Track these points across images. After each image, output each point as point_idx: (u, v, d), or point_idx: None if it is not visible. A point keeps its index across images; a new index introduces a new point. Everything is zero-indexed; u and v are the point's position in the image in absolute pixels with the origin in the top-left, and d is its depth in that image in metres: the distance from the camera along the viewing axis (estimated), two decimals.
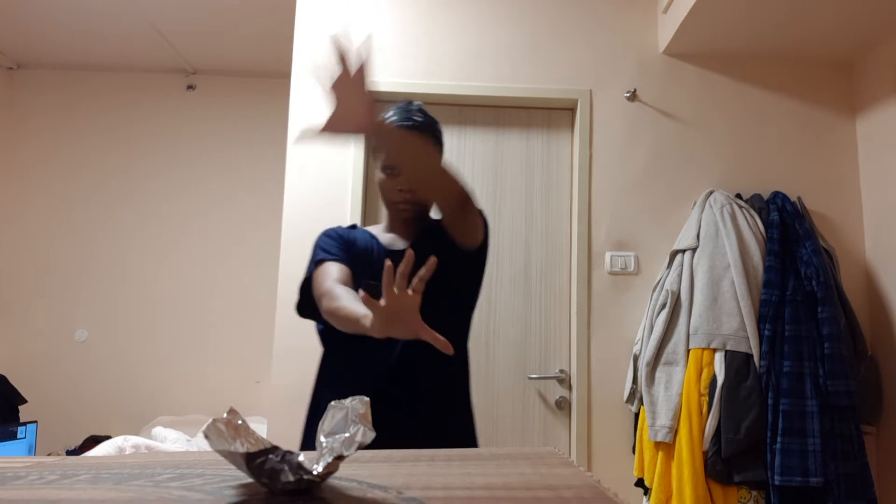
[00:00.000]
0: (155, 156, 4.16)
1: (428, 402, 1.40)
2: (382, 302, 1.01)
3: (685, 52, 2.85)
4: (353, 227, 1.55)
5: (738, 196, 2.73)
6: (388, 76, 2.79)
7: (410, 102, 1.51)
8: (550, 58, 2.84)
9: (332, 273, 1.35)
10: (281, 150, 4.13)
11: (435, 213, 1.60)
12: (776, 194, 2.66)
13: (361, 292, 1.01)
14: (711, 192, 2.67)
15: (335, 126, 1.19)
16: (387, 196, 1.46)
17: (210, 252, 4.09)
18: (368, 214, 2.77)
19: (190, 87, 4.22)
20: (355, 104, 1.19)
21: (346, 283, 1.33)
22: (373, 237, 1.50)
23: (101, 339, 3.99)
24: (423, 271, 1.00)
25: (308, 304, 1.44)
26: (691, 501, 2.25)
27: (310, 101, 2.75)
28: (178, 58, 4.01)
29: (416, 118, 1.45)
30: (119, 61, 4.10)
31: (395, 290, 1.00)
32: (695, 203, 2.71)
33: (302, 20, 2.82)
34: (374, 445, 1.22)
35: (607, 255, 2.73)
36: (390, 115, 1.46)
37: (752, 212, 2.60)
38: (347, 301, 1.19)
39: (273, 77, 4.17)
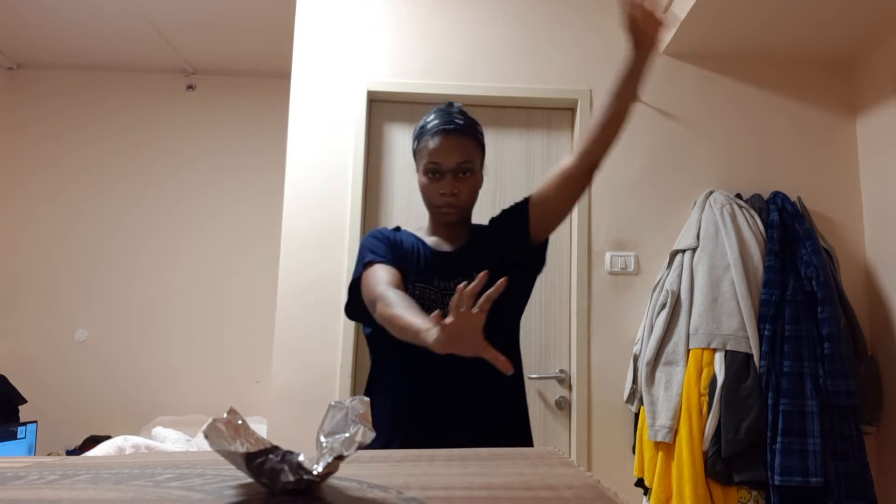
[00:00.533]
0: (154, 156, 4.16)
1: (488, 406, 1.40)
2: (449, 319, 1.01)
3: (685, 52, 2.85)
4: (398, 229, 1.54)
5: (738, 196, 2.73)
6: (387, 76, 2.79)
7: (451, 104, 1.51)
8: (550, 58, 2.84)
9: (383, 276, 1.34)
10: (281, 150, 4.13)
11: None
12: (776, 194, 2.66)
13: (434, 314, 1.02)
14: (711, 192, 2.67)
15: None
16: (429, 199, 1.45)
17: (210, 252, 4.09)
18: (368, 214, 2.77)
19: (190, 87, 4.22)
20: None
21: (397, 286, 1.32)
22: (418, 239, 1.49)
23: (101, 339, 3.99)
24: (492, 291, 1.00)
25: (356, 305, 1.44)
26: (691, 501, 2.25)
27: (309, 101, 2.75)
28: (178, 58, 4.01)
29: (457, 120, 1.44)
30: (119, 61, 4.10)
31: (462, 309, 1.00)
32: (695, 203, 2.71)
33: (302, 20, 2.82)
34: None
35: (607, 255, 2.73)
36: (431, 119, 1.45)
37: (752, 212, 2.60)
38: (405, 310, 1.18)
39: (273, 77, 4.17)
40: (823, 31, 2.65)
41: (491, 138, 2.85)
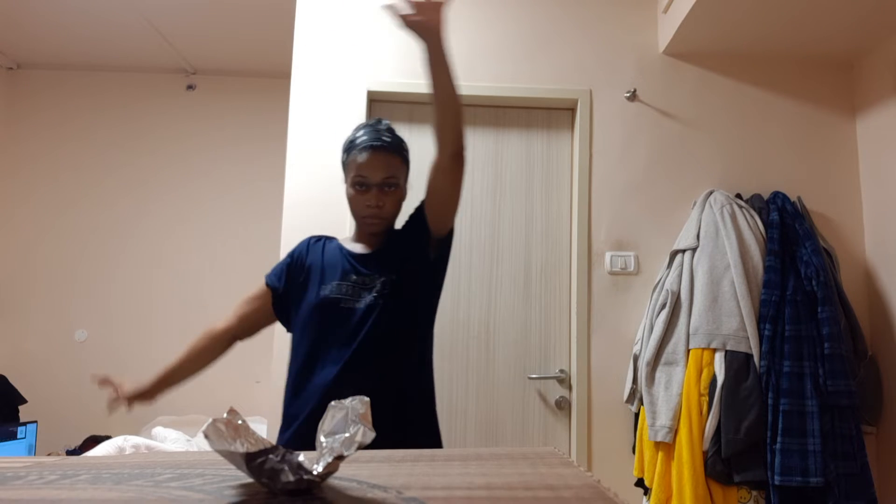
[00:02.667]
0: (155, 156, 4.16)
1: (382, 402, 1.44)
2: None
3: (685, 52, 2.85)
4: (331, 239, 1.65)
5: (738, 196, 2.73)
6: (387, 76, 2.78)
7: (379, 121, 1.59)
8: (550, 58, 2.84)
9: (241, 303, 1.66)
10: (281, 150, 4.13)
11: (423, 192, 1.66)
12: (776, 194, 2.66)
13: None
14: (711, 192, 2.67)
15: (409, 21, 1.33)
16: (356, 210, 1.54)
17: (210, 251, 4.09)
18: None
19: (190, 87, 4.22)
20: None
21: (240, 315, 1.65)
22: (341, 247, 1.60)
23: (100, 339, 3.99)
24: None
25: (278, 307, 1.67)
26: (691, 501, 2.25)
27: (310, 101, 2.75)
28: (178, 58, 4.01)
29: (385, 138, 1.53)
30: (119, 61, 4.10)
31: None
32: (695, 203, 2.71)
33: (302, 20, 2.82)
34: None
35: (607, 255, 2.73)
36: (360, 135, 1.53)
37: (752, 212, 2.60)
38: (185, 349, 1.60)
39: (273, 77, 4.17)
40: (823, 31, 2.65)
41: (491, 138, 2.85)
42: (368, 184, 1.51)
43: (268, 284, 1.64)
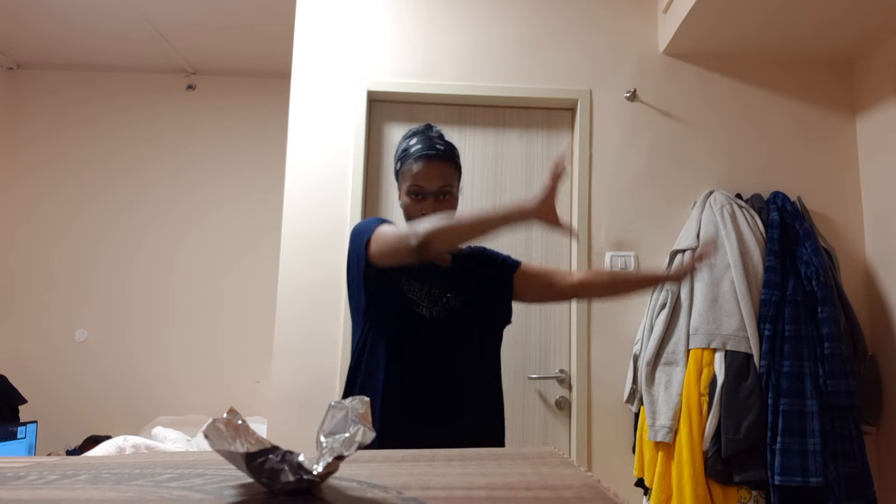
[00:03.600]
0: (154, 156, 4.16)
1: (469, 409, 1.55)
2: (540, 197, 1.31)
3: (685, 52, 2.85)
4: None
5: (738, 196, 2.73)
6: (387, 76, 2.78)
7: (430, 127, 1.62)
8: (550, 58, 2.84)
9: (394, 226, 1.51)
10: (281, 150, 4.13)
11: None
12: (776, 194, 2.66)
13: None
14: (711, 192, 2.67)
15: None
16: (412, 218, 1.56)
17: (210, 251, 4.10)
18: (368, 214, 2.77)
19: (190, 87, 4.22)
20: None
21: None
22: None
23: (101, 339, 3.99)
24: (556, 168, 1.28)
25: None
26: (691, 501, 2.25)
27: (310, 101, 2.75)
28: (178, 58, 4.01)
29: (438, 146, 1.56)
30: (119, 61, 4.10)
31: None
32: (695, 203, 2.71)
33: (302, 20, 2.81)
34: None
35: (607, 255, 2.73)
36: (414, 143, 1.56)
37: (752, 212, 2.60)
38: (461, 214, 1.37)
39: (273, 77, 4.17)
40: (823, 31, 2.65)
41: (491, 138, 2.85)
42: (424, 192, 1.54)
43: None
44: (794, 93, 2.88)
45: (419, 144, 1.55)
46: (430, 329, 1.53)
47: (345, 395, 1.55)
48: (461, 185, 1.63)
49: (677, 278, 1.55)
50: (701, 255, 1.51)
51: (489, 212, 1.32)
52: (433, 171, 1.53)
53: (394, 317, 1.53)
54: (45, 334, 3.98)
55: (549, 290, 1.64)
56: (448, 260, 1.64)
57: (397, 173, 1.60)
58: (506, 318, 1.69)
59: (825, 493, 2.24)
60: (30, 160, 4.13)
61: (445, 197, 1.55)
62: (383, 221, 1.54)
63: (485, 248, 1.74)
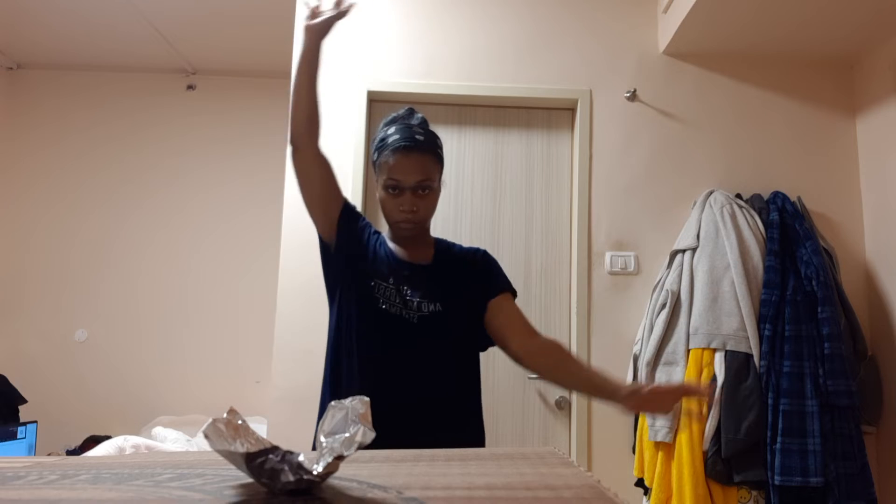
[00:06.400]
0: (154, 156, 4.16)
1: (445, 414, 1.43)
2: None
3: (685, 52, 2.85)
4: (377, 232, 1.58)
5: (738, 196, 2.73)
6: (388, 76, 2.78)
7: (411, 112, 1.49)
8: (550, 58, 2.84)
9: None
10: (281, 150, 4.13)
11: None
12: (776, 194, 2.66)
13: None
14: (711, 192, 2.67)
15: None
16: (389, 214, 1.46)
17: (210, 251, 4.09)
18: (368, 214, 2.77)
19: (190, 87, 4.22)
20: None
21: (330, 179, 1.48)
22: (384, 240, 1.52)
23: (101, 339, 3.99)
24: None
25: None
26: (691, 501, 2.25)
27: None
28: (178, 58, 4.01)
29: (418, 136, 1.43)
30: (119, 61, 4.10)
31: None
32: (695, 203, 2.71)
33: (302, 20, 2.81)
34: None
35: (607, 255, 2.73)
36: (392, 132, 1.44)
37: (752, 212, 2.60)
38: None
39: (273, 77, 4.17)
40: (823, 31, 2.65)
41: (491, 138, 2.85)
42: (402, 187, 1.41)
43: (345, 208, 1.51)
44: (794, 93, 2.88)
45: (398, 134, 1.42)
46: (401, 333, 1.41)
47: (332, 392, 1.46)
48: (443, 177, 1.51)
49: (638, 406, 1.37)
50: (695, 392, 1.40)
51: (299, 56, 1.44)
52: (412, 165, 1.40)
53: (363, 317, 1.42)
54: (45, 334, 3.98)
55: (503, 339, 1.48)
56: (430, 258, 1.51)
57: (374, 164, 1.48)
58: (482, 342, 1.52)
59: (825, 493, 2.24)
60: (29, 160, 4.13)
61: (425, 192, 1.43)
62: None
63: (487, 255, 1.58)
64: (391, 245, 1.52)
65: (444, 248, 1.56)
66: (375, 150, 1.47)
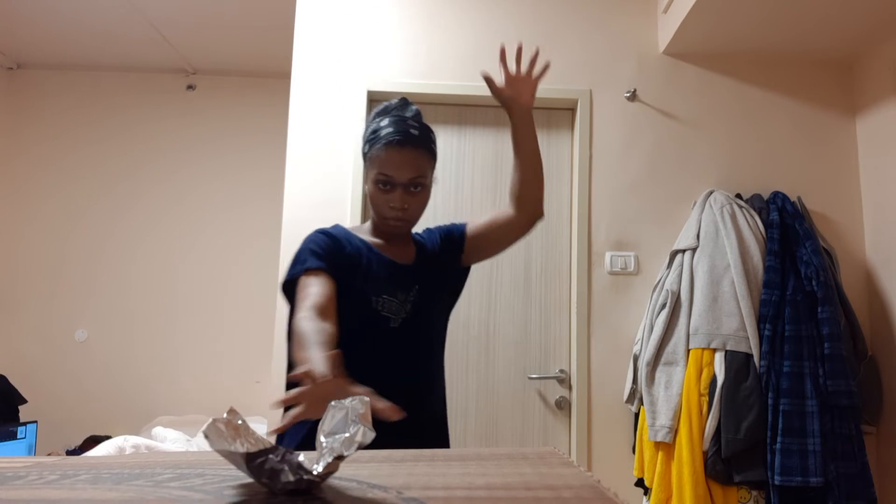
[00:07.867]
0: (154, 156, 4.16)
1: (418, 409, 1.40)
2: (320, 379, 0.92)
3: (685, 52, 2.85)
4: (335, 227, 1.48)
5: (738, 196, 2.73)
6: (388, 76, 2.78)
7: (405, 104, 1.44)
8: (550, 58, 2.84)
9: (313, 293, 1.22)
10: (281, 150, 4.13)
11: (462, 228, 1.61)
12: (776, 194, 2.66)
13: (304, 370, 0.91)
14: (711, 192, 2.67)
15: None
16: (378, 210, 1.40)
17: (210, 252, 4.09)
18: (368, 214, 2.76)
19: (190, 87, 4.22)
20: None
21: (324, 305, 1.21)
22: (364, 242, 1.43)
23: (101, 339, 3.99)
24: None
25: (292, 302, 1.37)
26: (691, 501, 2.25)
27: (310, 101, 2.75)
28: (178, 58, 4.01)
29: (412, 130, 1.37)
30: (119, 61, 4.10)
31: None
32: (695, 203, 2.71)
33: (302, 20, 2.82)
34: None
35: (607, 255, 2.73)
36: (385, 125, 1.38)
37: (752, 212, 2.60)
38: (307, 350, 1.06)
39: (273, 77, 4.17)
40: (823, 31, 2.65)
41: (490, 138, 2.85)
42: (393, 183, 1.36)
43: (325, 271, 1.31)
44: (793, 93, 2.88)
45: (391, 127, 1.36)
46: (388, 336, 1.37)
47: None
48: (435, 174, 1.45)
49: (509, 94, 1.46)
50: None
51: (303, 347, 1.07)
52: (405, 160, 1.34)
53: (357, 322, 1.35)
54: (45, 334, 3.98)
55: (506, 227, 1.50)
56: (412, 256, 1.48)
57: (365, 157, 1.40)
58: (460, 283, 1.57)
59: (825, 493, 2.24)
60: (29, 160, 4.13)
61: (417, 189, 1.37)
62: (314, 256, 1.31)
63: (438, 228, 1.57)
64: (370, 239, 1.45)
65: (420, 245, 1.52)
66: (367, 143, 1.41)
